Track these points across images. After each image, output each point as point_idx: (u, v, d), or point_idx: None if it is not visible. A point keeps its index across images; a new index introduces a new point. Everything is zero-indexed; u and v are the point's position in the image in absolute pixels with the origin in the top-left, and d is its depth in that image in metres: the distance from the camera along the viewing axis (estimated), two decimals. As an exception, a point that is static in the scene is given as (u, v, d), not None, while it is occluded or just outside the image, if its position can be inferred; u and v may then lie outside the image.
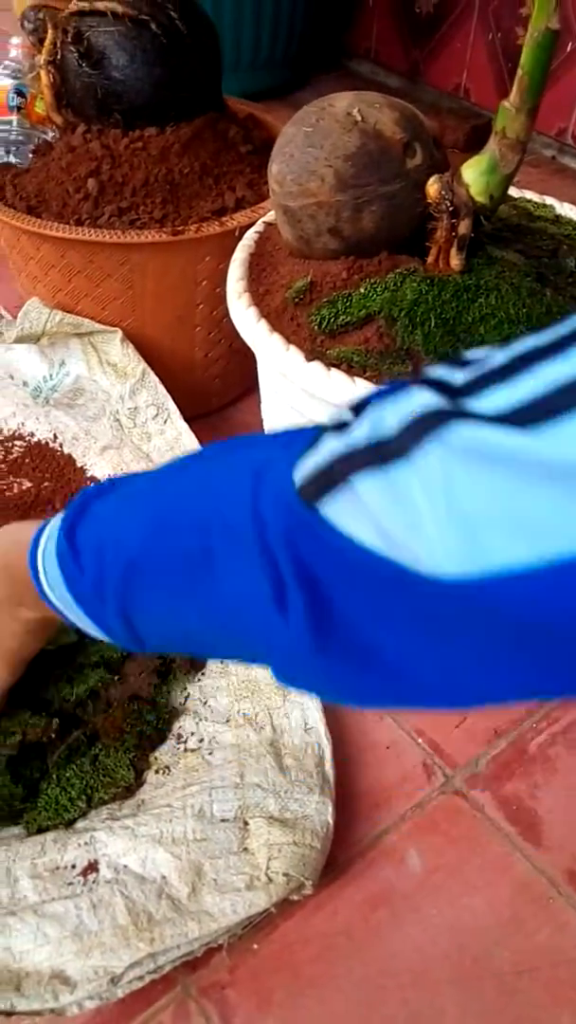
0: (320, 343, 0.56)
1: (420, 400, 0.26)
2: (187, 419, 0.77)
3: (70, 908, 0.50)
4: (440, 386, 0.26)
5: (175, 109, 0.80)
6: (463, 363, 0.27)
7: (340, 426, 0.29)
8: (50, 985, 0.47)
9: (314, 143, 0.56)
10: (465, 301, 0.55)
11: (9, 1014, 0.47)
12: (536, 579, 0.23)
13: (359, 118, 0.56)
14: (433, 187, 0.56)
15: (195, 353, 0.83)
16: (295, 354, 0.55)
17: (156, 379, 0.78)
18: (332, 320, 0.57)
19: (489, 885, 0.54)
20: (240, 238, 0.69)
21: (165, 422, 0.78)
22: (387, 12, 1.67)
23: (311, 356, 0.55)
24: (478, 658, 0.26)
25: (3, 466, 0.80)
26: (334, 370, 0.54)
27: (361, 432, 0.27)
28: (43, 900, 0.51)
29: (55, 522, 0.40)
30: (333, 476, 0.27)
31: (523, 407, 0.23)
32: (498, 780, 0.59)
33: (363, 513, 0.26)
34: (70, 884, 0.52)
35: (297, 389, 0.56)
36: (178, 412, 0.77)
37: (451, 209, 0.55)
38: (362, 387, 0.53)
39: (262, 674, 0.64)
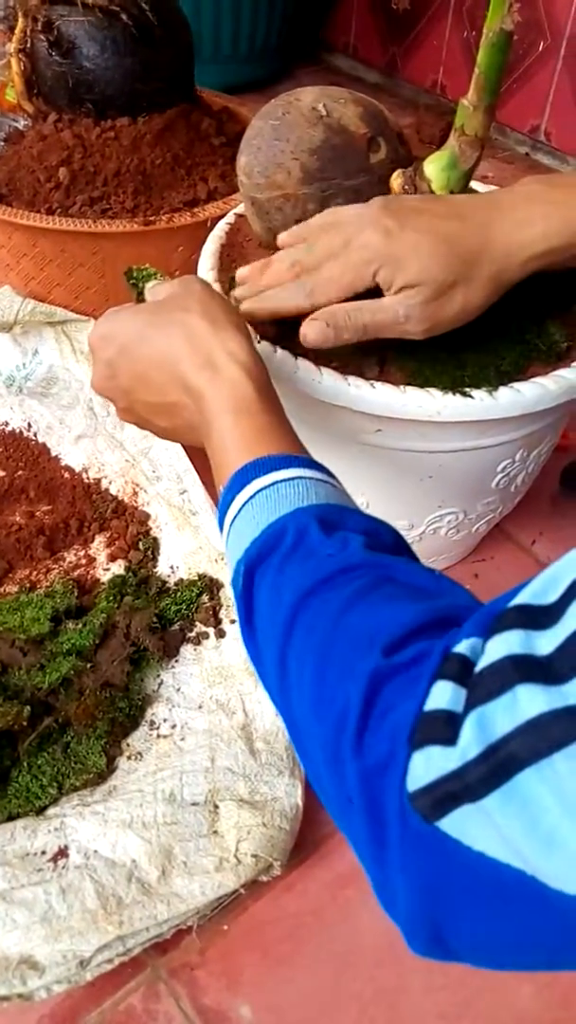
0: (287, 332, 0.57)
1: (528, 705, 0.24)
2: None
3: (39, 894, 0.51)
4: (533, 669, 0.25)
5: (147, 100, 0.81)
6: (530, 615, 0.26)
7: (460, 665, 0.27)
8: (18, 970, 0.48)
9: (280, 136, 0.56)
10: None
11: (-23, 998, 0.47)
12: None
13: (324, 112, 0.56)
14: (396, 181, 0.57)
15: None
16: (265, 345, 0.56)
17: (129, 369, 0.78)
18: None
19: (455, 864, 0.55)
20: (212, 229, 0.70)
21: (138, 412, 0.78)
22: (365, 8, 1.67)
23: (280, 346, 0.56)
24: None
25: (-25, 456, 0.80)
26: (301, 359, 0.54)
27: (470, 743, 0.25)
28: (12, 887, 0.51)
29: (236, 547, 0.38)
30: (453, 794, 0.25)
31: None
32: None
33: (493, 830, 0.25)
34: (40, 870, 0.52)
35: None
36: (151, 402, 0.77)
37: None
38: (328, 376, 0.53)
39: (235, 660, 0.65)
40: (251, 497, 0.38)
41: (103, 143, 0.78)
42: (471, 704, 0.26)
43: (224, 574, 0.70)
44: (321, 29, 1.78)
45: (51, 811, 0.55)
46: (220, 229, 0.69)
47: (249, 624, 0.36)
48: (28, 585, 0.70)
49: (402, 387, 0.53)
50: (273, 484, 0.38)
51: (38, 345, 0.80)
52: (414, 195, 0.55)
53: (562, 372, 0.54)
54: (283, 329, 0.55)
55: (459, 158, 0.55)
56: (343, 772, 0.29)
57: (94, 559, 0.73)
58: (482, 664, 0.26)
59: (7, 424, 0.83)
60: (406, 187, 0.56)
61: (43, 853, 0.53)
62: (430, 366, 0.54)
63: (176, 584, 0.70)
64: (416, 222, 0.47)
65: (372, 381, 0.53)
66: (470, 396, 0.53)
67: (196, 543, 0.72)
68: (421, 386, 0.53)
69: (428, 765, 0.26)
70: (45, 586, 0.70)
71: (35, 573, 0.71)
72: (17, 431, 0.82)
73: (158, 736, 0.61)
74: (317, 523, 0.36)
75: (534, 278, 0.56)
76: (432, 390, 0.53)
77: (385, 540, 0.37)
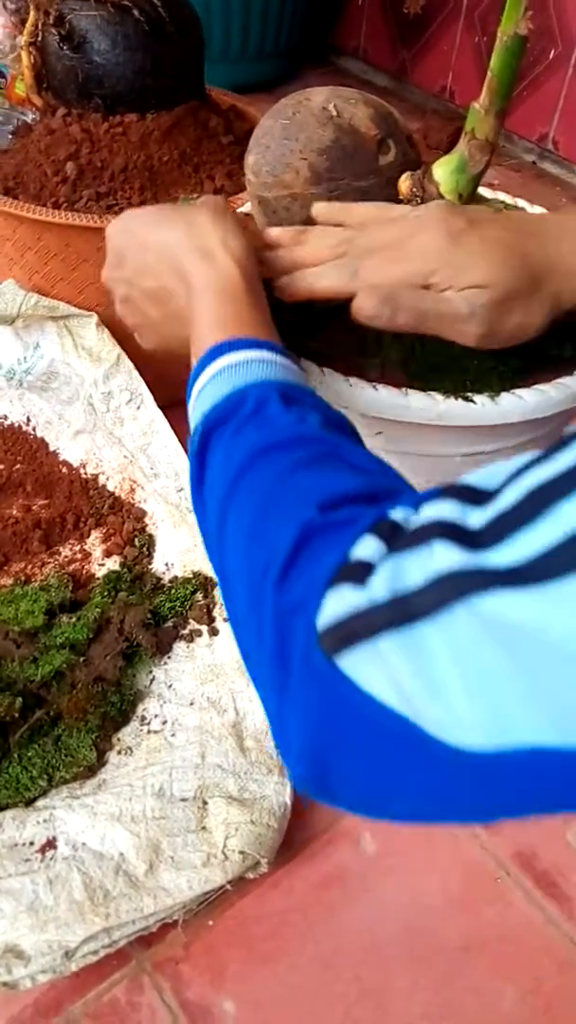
0: (289, 333, 0.57)
1: (443, 559, 0.25)
2: (160, 406, 0.77)
3: (26, 884, 0.51)
4: (457, 534, 0.25)
5: (156, 96, 0.81)
6: (470, 493, 0.27)
7: (390, 528, 0.28)
8: (3, 959, 0.48)
9: (290, 135, 0.57)
10: None
11: (-38, 986, 0.47)
12: (560, 760, 0.23)
13: (335, 113, 0.56)
14: (405, 183, 0.57)
15: (171, 341, 0.83)
16: None
17: (131, 365, 0.78)
18: (302, 312, 0.57)
19: (440, 866, 0.56)
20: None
21: (138, 408, 0.78)
22: (376, 11, 1.68)
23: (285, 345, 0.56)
24: (484, 812, 0.27)
25: (-26, 447, 0.80)
26: (303, 360, 0.55)
27: (380, 587, 0.26)
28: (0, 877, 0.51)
29: (197, 412, 0.39)
30: (355, 632, 0.26)
31: (547, 557, 0.23)
32: (454, 765, 0.61)
33: (386, 673, 0.25)
34: (27, 860, 0.52)
35: None
36: (151, 398, 0.77)
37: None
38: (329, 377, 0.54)
39: (227, 658, 0.65)
40: (220, 370, 0.39)
41: (111, 138, 0.78)
42: (389, 554, 0.27)
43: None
44: (331, 31, 1.79)
45: (40, 803, 0.56)
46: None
47: (200, 482, 0.38)
48: (23, 578, 0.70)
49: (404, 389, 0.53)
50: (245, 361, 0.39)
51: (40, 339, 0.80)
52: (472, 206, 0.54)
53: (565, 380, 0.55)
54: (301, 321, 0.54)
55: (468, 162, 0.55)
56: (261, 612, 0.30)
57: (90, 554, 0.73)
58: (410, 524, 0.28)
59: (6, 418, 0.83)
60: (414, 189, 0.56)
61: (31, 844, 0.53)
62: (431, 369, 0.55)
63: (171, 581, 0.71)
64: (484, 230, 0.46)
65: (374, 383, 0.54)
66: (472, 401, 0.53)
67: (192, 540, 0.72)
68: (423, 389, 0.53)
69: (338, 603, 0.27)
70: (40, 580, 0.70)
71: (30, 566, 0.71)
72: (16, 425, 0.82)
73: (149, 732, 0.61)
74: (279, 396, 0.37)
75: None
76: (434, 393, 0.53)
77: (342, 424, 0.39)
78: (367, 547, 0.28)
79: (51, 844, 0.53)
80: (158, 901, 0.50)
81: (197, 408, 0.40)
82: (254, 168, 0.59)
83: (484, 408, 0.52)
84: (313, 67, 1.77)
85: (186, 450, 0.74)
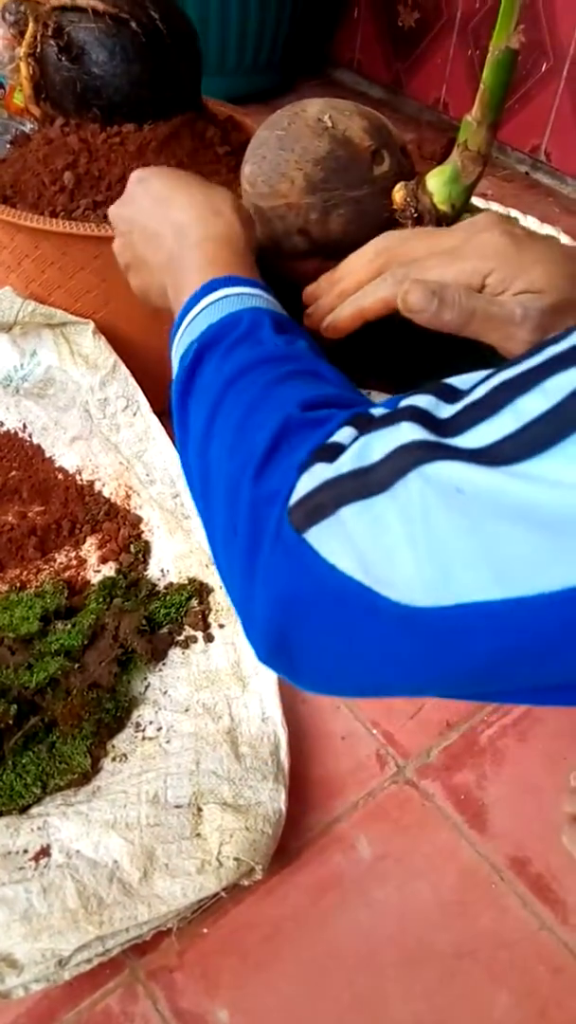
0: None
1: (406, 434, 0.27)
2: (156, 412, 0.78)
3: (20, 892, 0.51)
4: (426, 419, 0.27)
5: (154, 107, 0.81)
6: (447, 391, 0.29)
7: (367, 420, 0.30)
8: (-2, 967, 0.48)
9: (285, 146, 0.57)
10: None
11: (-45, 994, 0.47)
12: (499, 616, 0.24)
13: (329, 124, 0.57)
14: (399, 194, 0.58)
15: (166, 347, 0.84)
16: None
17: (127, 372, 0.78)
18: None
19: (435, 871, 0.56)
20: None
21: (135, 414, 0.78)
22: (371, 24, 1.69)
23: None
24: (441, 678, 0.28)
25: (-30, 454, 0.80)
26: None
27: (347, 460, 0.28)
28: (-6, 884, 0.51)
29: (191, 334, 0.41)
30: (321, 504, 0.28)
31: (503, 443, 0.24)
32: (448, 770, 0.61)
33: (346, 542, 0.27)
34: (21, 868, 0.52)
35: None
36: (148, 405, 0.78)
37: (416, 216, 0.57)
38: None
39: (222, 664, 0.65)
40: (217, 300, 0.41)
41: (109, 148, 0.79)
42: (360, 434, 0.29)
43: (213, 578, 0.71)
44: (326, 43, 1.81)
45: (34, 810, 0.55)
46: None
47: (186, 393, 0.39)
48: (19, 584, 0.70)
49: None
50: (241, 294, 0.41)
51: (37, 346, 0.80)
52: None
53: None
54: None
55: (461, 173, 0.56)
56: (237, 502, 0.32)
57: (85, 561, 0.73)
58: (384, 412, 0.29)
59: (2, 424, 0.83)
60: (408, 199, 0.57)
61: (25, 851, 0.53)
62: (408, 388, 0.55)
63: (166, 588, 0.71)
64: (540, 237, 0.46)
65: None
66: None
67: (187, 547, 0.72)
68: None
69: (309, 479, 0.29)
70: (35, 586, 0.70)
71: (26, 573, 0.71)
72: (12, 431, 0.82)
73: (143, 738, 0.61)
74: (272, 321, 0.39)
75: None
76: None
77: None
78: (342, 433, 0.30)
79: (45, 852, 0.53)
80: (152, 909, 0.50)
81: (188, 334, 0.41)
82: (249, 178, 0.60)
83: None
84: (308, 79, 1.79)
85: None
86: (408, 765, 0.61)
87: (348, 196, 0.57)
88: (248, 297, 0.41)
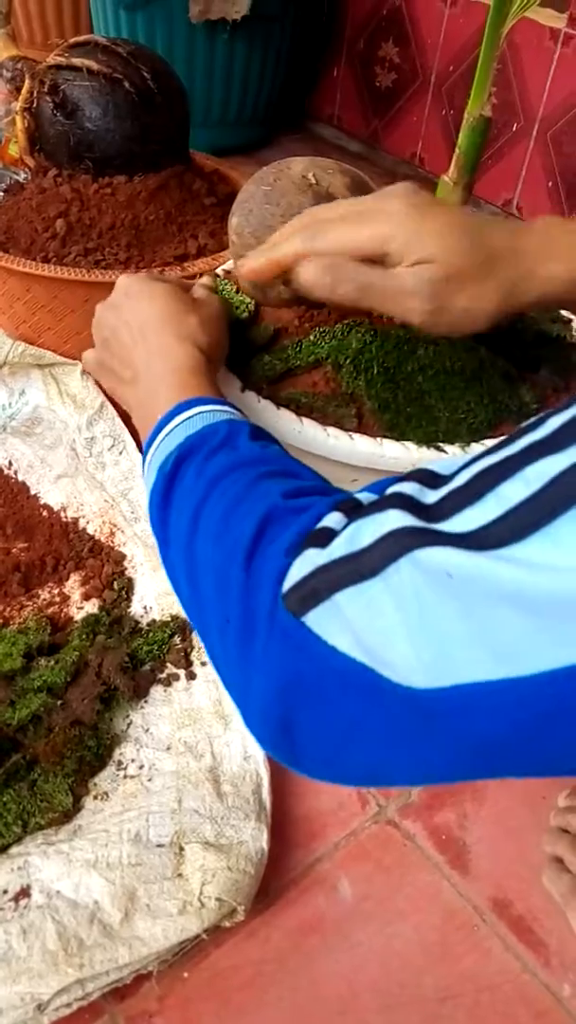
0: (270, 384, 0.60)
1: (394, 520, 0.28)
2: (142, 451, 0.79)
3: (-1, 934, 0.50)
4: (412, 505, 0.28)
5: (144, 160, 0.85)
6: (429, 477, 0.30)
7: (354, 505, 0.32)
8: (-26, 1013, 0.47)
9: (271, 201, 0.60)
10: (406, 352, 0.58)
11: None
12: (499, 694, 0.25)
13: (313, 181, 0.60)
14: None
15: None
16: (249, 395, 0.58)
17: (114, 411, 0.80)
18: (282, 364, 0.60)
19: (417, 913, 0.56)
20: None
21: (120, 453, 0.80)
22: (350, 82, 1.77)
23: (263, 396, 0.58)
24: (446, 759, 0.28)
25: (-45, 491, 0.80)
26: (283, 409, 0.57)
27: (339, 545, 0.29)
28: (-28, 927, 0.50)
29: (169, 445, 0.43)
30: (316, 589, 0.29)
31: (488, 528, 0.25)
32: (429, 810, 0.61)
33: (344, 625, 0.28)
34: (1, 910, 0.51)
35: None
36: (134, 444, 0.79)
37: None
38: (308, 426, 0.56)
39: (204, 703, 0.65)
40: (191, 416, 0.43)
41: (100, 198, 0.82)
42: (349, 520, 0.30)
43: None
44: (307, 99, 1.88)
45: (14, 849, 0.55)
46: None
47: (166, 499, 0.40)
48: (1, 621, 0.70)
49: (379, 439, 0.55)
50: (214, 411, 0.43)
51: (25, 386, 0.82)
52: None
53: (427, 451, 0.57)
54: (278, 372, 0.58)
55: None
56: (227, 590, 0.33)
57: (68, 597, 0.73)
58: (372, 500, 0.31)
59: (-12, 461, 0.83)
60: None
61: (5, 892, 0.52)
62: (405, 420, 0.57)
63: (149, 625, 0.71)
64: (446, 209, 0.46)
65: (351, 433, 0.56)
66: (444, 451, 0.55)
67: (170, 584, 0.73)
68: (397, 439, 0.56)
69: (302, 565, 0.30)
70: (19, 622, 0.70)
71: (9, 609, 0.71)
72: (-2, 468, 0.83)
73: (125, 776, 0.61)
74: (248, 431, 0.41)
75: (508, 338, 0.59)
76: (408, 443, 0.55)
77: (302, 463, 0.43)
78: (331, 518, 0.31)
79: (25, 892, 0.52)
80: (133, 951, 0.49)
81: (165, 445, 0.43)
82: (237, 229, 0.63)
83: (455, 457, 0.55)
84: (289, 132, 1.85)
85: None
86: (390, 804, 0.62)
87: None
88: (221, 412, 0.44)
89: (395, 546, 0.27)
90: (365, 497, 0.32)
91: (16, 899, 0.52)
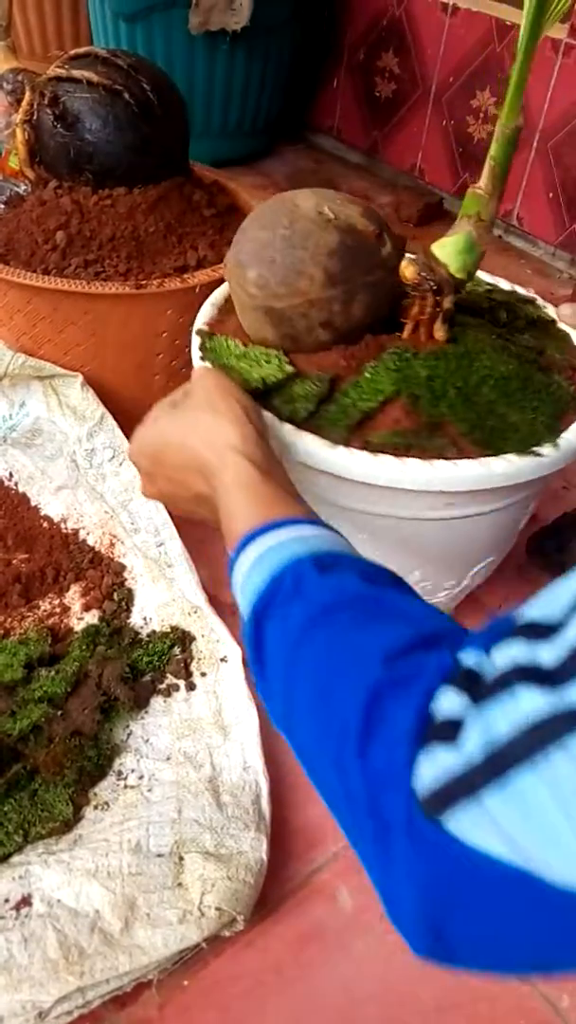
0: (351, 433, 0.58)
1: (528, 704, 0.26)
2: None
3: (0, 943, 0.50)
4: (535, 675, 0.27)
5: (143, 172, 0.85)
6: (532, 629, 0.28)
7: (466, 677, 0.29)
8: (-26, 1023, 0.47)
9: (296, 244, 0.58)
10: (466, 367, 0.58)
11: None
12: None
13: (331, 216, 0.58)
14: (409, 269, 0.59)
15: (153, 400, 0.85)
16: (340, 451, 0.56)
17: (114, 423, 0.80)
18: (355, 410, 0.58)
19: (416, 922, 0.56)
20: (200, 294, 0.73)
21: (121, 464, 0.80)
22: (350, 93, 1.78)
23: (355, 447, 0.56)
24: None
25: (-44, 501, 0.81)
26: (382, 456, 0.55)
27: (474, 745, 0.27)
28: (-28, 937, 0.51)
29: (245, 597, 0.41)
30: (457, 793, 0.27)
31: None
32: (428, 819, 0.61)
33: (494, 828, 0.26)
34: (2, 918, 0.52)
35: (321, 474, 0.58)
36: (133, 455, 0.80)
37: (434, 287, 0.59)
38: (412, 466, 0.55)
39: (204, 713, 0.66)
40: (254, 560, 0.42)
41: (100, 210, 0.82)
42: (474, 707, 0.28)
43: (195, 627, 0.72)
44: (307, 111, 1.89)
45: (16, 859, 0.55)
46: (218, 294, 0.71)
47: (259, 664, 0.39)
48: (2, 632, 0.70)
49: (481, 460, 0.55)
50: (275, 544, 0.42)
51: (25, 397, 0.82)
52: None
53: (527, 459, 0.57)
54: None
55: (476, 242, 0.59)
56: (347, 777, 0.31)
57: (69, 608, 0.74)
58: (487, 672, 0.28)
59: (-11, 471, 0.84)
60: (422, 273, 0.59)
61: (6, 901, 0.52)
62: (490, 435, 0.57)
63: (149, 635, 0.72)
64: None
65: (455, 460, 0.55)
66: (540, 455, 0.56)
67: (170, 595, 0.73)
68: (494, 455, 0.56)
69: (434, 767, 0.28)
70: (19, 633, 0.70)
71: (9, 620, 0.72)
72: (-1, 478, 0.84)
73: (125, 786, 0.61)
74: (312, 567, 0.39)
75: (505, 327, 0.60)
76: (508, 456, 0.55)
77: (381, 574, 0.41)
78: (450, 701, 0.29)
79: (26, 901, 0.52)
80: (133, 959, 0.50)
81: (243, 598, 0.42)
82: (258, 282, 0.59)
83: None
84: (289, 143, 1.86)
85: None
86: (388, 813, 0.62)
87: (366, 281, 0.58)
88: (283, 545, 0.42)
89: (541, 736, 0.25)
90: (476, 659, 0.30)
91: (17, 908, 0.52)
